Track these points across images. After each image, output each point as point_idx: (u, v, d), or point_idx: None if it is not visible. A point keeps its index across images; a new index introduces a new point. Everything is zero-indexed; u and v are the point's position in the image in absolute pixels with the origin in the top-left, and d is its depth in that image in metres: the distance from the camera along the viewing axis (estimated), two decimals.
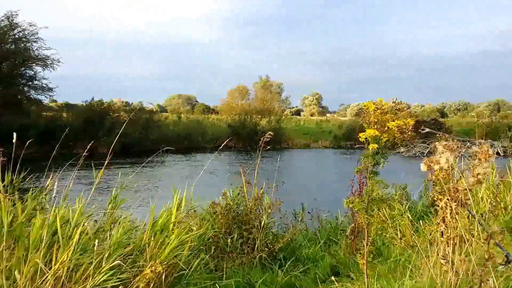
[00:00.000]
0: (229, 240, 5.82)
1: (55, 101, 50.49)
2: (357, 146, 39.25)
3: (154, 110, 50.25)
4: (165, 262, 3.97)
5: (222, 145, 7.17)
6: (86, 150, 4.79)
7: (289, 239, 6.45)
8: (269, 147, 6.51)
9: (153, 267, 3.66)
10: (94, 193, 4.43)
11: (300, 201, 8.16)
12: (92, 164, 4.90)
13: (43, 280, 3.40)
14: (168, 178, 21.29)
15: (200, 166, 25.49)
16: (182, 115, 56.15)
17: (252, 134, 38.67)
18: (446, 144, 3.05)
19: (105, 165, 4.75)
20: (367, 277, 3.80)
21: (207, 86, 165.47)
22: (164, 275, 3.93)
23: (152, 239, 4.22)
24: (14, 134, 4.51)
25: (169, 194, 5.07)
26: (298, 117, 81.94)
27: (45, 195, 4.62)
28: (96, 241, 3.65)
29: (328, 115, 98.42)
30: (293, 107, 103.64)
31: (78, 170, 4.71)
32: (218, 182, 7.07)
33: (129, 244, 4.13)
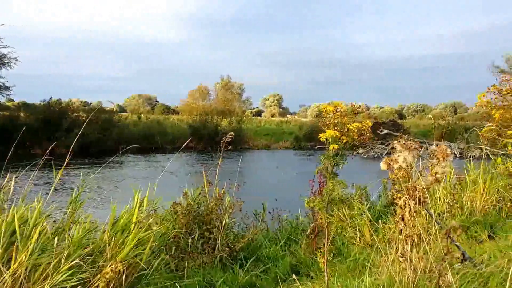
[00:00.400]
0: (190, 240, 5.80)
1: (12, 100, 49.23)
2: (317, 147, 39.60)
3: (114, 110, 49.52)
4: (125, 261, 3.93)
5: (183, 145, 7.13)
6: (47, 151, 4.70)
7: (250, 239, 6.47)
8: (230, 147, 6.52)
9: (113, 266, 3.62)
10: (53, 194, 4.35)
11: (261, 201, 8.18)
12: (53, 165, 4.80)
13: (0, 281, 3.32)
14: (128, 178, 21.03)
15: (161, 166, 25.29)
16: (142, 115, 55.54)
17: (213, 135, 38.54)
18: (404, 143, 3.12)
19: (64, 165, 4.66)
20: (327, 276, 3.85)
21: (167, 86, 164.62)
22: (124, 275, 3.89)
23: (113, 239, 4.17)
24: None
25: (129, 195, 5.03)
26: (259, 118, 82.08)
27: (2, 195, 4.52)
28: (56, 240, 3.60)
29: (288, 116, 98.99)
30: (254, 108, 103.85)
31: (36, 170, 4.62)
32: (179, 182, 7.02)
33: (89, 244, 4.07)
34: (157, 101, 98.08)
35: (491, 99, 5.76)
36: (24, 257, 3.38)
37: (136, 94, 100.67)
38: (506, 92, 5.68)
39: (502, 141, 5.50)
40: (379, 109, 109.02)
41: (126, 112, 70.96)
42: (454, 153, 34.30)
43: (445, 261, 2.78)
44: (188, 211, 6.04)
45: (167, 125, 45.91)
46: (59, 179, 4.43)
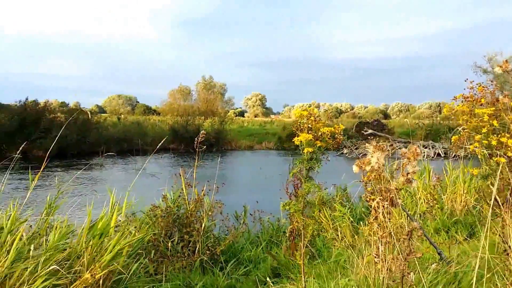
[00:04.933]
0: (169, 244, 5.78)
1: None
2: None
3: (93, 111, 49.00)
4: (105, 265, 3.91)
5: (158, 146, 7.09)
6: (18, 152, 4.64)
7: (231, 241, 6.46)
8: (212, 149, 6.50)
9: (93, 272, 3.60)
10: (30, 198, 4.30)
11: (242, 203, 8.17)
12: (29, 168, 4.75)
13: None
14: (106, 181, 20.88)
15: (141, 169, 25.11)
16: (122, 116, 55.12)
17: (195, 136, 38.25)
18: (376, 145, 3.15)
19: (41, 169, 4.60)
20: (304, 277, 3.86)
21: (147, 86, 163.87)
22: (101, 280, 3.86)
23: (90, 243, 4.14)
24: None
25: (107, 198, 4.99)
26: (242, 118, 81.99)
27: None
28: (32, 246, 3.56)
29: (272, 116, 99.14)
30: (236, 108, 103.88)
31: (13, 173, 4.56)
32: (159, 185, 6.97)
33: (66, 249, 4.04)
34: (138, 102, 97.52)
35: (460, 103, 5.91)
36: None
37: (116, 95, 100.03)
38: (472, 100, 5.80)
39: (471, 145, 5.61)
40: (363, 109, 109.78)
41: (106, 113, 70.41)
42: (439, 153, 34.66)
43: (407, 261, 2.84)
44: (168, 214, 6.01)
45: (148, 126, 45.49)
46: (36, 183, 4.38)
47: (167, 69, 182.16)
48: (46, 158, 4.64)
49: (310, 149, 3.57)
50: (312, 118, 3.69)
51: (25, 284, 3.39)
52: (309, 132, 3.67)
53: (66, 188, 5.06)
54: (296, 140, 3.62)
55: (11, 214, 3.90)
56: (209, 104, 64.38)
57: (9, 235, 3.66)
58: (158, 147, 7.18)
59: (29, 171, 4.61)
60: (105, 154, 7.16)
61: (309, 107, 3.82)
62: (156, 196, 6.60)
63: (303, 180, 3.75)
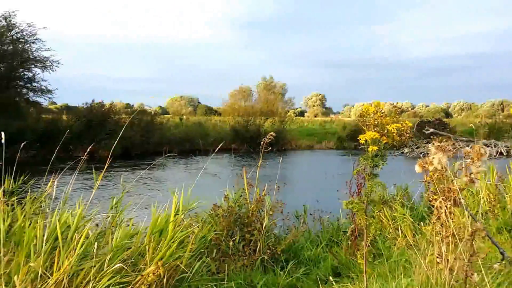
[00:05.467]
0: (231, 243, 5.83)
1: (55, 103, 50.29)
2: (361, 147, 39.04)
3: (156, 112, 49.95)
4: (166, 264, 4.00)
5: (218, 147, 7.18)
6: (85, 153, 4.78)
7: (291, 240, 6.47)
8: (271, 148, 6.54)
9: (154, 268, 3.69)
10: (94, 197, 4.44)
11: (303, 203, 8.18)
12: (92, 168, 4.90)
13: (43, 286, 3.40)
14: (169, 181, 21.26)
15: (203, 169, 25.37)
16: (184, 116, 55.97)
17: (256, 136, 38.48)
18: (439, 145, 3.11)
19: (105, 168, 4.73)
20: (366, 277, 3.85)
21: (209, 87, 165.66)
22: (165, 278, 3.96)
23: (152, 242, 4.24)
24: (3, 134, 4.18)
25: (170, 198, 5.09)
26: (301, 118, 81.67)
27: (44, 198, 4.64)
28: (96, 244, 3.66)
29: (332, 115, 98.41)
30: (296, 108, 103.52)
31: (79, 173, 4.72)
32: (221, 184, 7.07)
33: (130, 247, 4.15)
34: (199, 102, 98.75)
35: None
36: (67, 263, 3.43)
37: (179, 96, 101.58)
38: None
39: None
40: (424, 108, 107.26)
41: (168, 114, 71.63)
42: (501, 152, 33.49)
43: (470, 262, 2.79)
44: (229, 213, 6.08)
45: (209, 126, 46.08)
46: (101, 182, 4.50)
47: (228, 70, 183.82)
48: (109, 158, 4.74)
49: (375, 148, 3.55)
50: (379, 113, 3.67)
51: (92, 282, 3.49)
52: (375, 128, 3.65)
53: (130, 188, 5.21)
54: (362, 138, 3.60)
55: (77, 213, 4.00)
56: (269, 104, 64.24)
57: (76, 233, 3.75)
58: (219, 147, 7.28)
59: (93, 171, 4.75)
60: (168, 154, 7.39)
61: (374, 104, 3.76)
62: (218, 196, 6.69)
63: (367, 178, 3.72)
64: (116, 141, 5.67)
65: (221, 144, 7.17)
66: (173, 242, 4.21)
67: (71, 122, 35.38)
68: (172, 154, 25.52)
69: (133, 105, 55.80)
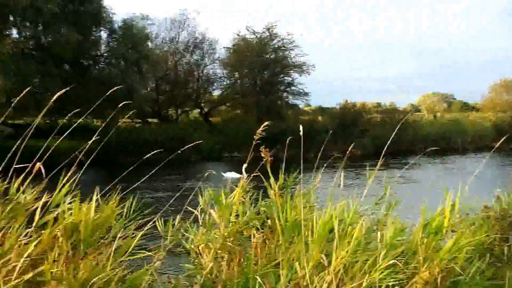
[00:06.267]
0: (505, 248, 5.42)
1: (309, 105, 53.07)
2: None
3: (408, 110, 49.28)
4: (442, 263, 3.90)
5: (496, 146, 6.64)
6: (347, 152, 4.98)
7: None
8: None
9: (431, 269, 3.65)
10: (359, 194, 4.54)
11: None
12: (368, 166, 5.04)
13: (322, 274, 3.66)
14: (425, 180, 20.64)
15: (460, 168, 24.10)
16: (438, 114, 53.98)
17: None
18: None
19: (378, 166, 4.81)
20: None
21: (463, 82, 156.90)
22: (439, 278, 3.86)
23: (424, 241, 4.17)
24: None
25: (431, 197, 4.93)
26: None
27: (311, 193, 4.92)
28: (363, 239, 3.80)
29: None
30: None
31: (335, 171, 4.90)
32: (484, 185, 6.55)
33: (401, 244, 4.14)
34: (454, 99, 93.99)
35: None
36: (345, 253, 3.64)
37: (430, 93, 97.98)
38: None
39: None
40: None
41: (420, 112, 69.91)
42: None
43: None
44: (502, 216, 5.68)
45: (466, 124, 43.67)
46: (351, 181, 4.59)
47: (487, 62, 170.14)
48: (382, 156, 4.82)
49: None
50: None
51: (367, 275, 3.61)
52: None
53: (392, 186, 5.18)
54: None
55: (351, 208, 4.21)
56: None
57: (349, 227, 3.94)
58: (497, 145, 6.76)
59: (367, 168, 4.88)
60: (423, 152, 7.20)
61: None
62: (484, 197, 6.26)
63: None
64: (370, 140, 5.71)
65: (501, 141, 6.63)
66: (452, 245, 4.10)
67: (326, 123, 36.90)
68: (428, 151, 24.86)
69: (383, 104, 55.48)
